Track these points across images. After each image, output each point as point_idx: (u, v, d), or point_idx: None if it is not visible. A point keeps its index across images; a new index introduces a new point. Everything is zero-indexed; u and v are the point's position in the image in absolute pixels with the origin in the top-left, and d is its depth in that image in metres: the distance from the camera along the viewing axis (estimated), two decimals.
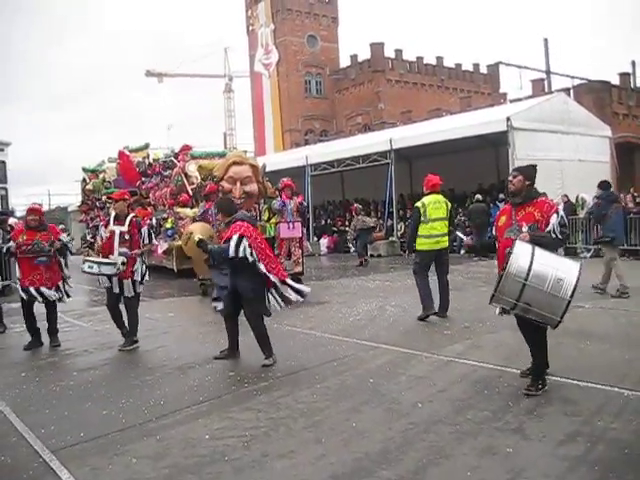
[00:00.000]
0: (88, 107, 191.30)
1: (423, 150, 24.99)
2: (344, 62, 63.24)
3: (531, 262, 5.46)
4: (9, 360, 8.44)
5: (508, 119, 20.88)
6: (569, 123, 22.81)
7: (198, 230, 7.75)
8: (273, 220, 15.61)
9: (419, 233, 10.03)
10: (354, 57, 61.50)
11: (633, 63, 39.81)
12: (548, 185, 16.98)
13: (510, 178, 6.24)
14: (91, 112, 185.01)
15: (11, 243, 9.15)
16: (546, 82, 37.90)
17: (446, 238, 10.17)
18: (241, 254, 7.29)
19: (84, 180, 25.82)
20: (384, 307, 11.36)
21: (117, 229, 8.77)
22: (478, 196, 22.28)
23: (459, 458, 4.44)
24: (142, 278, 8.98)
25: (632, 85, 36.58)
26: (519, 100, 31.84)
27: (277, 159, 31.38)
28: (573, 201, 20.51)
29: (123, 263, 8.57)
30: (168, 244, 17.80)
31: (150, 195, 20.69)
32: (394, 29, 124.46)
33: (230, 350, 7.95)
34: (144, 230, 8.99)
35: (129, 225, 8.78)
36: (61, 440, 5.19)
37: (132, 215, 9.00)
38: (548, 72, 37.24)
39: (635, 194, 21.01)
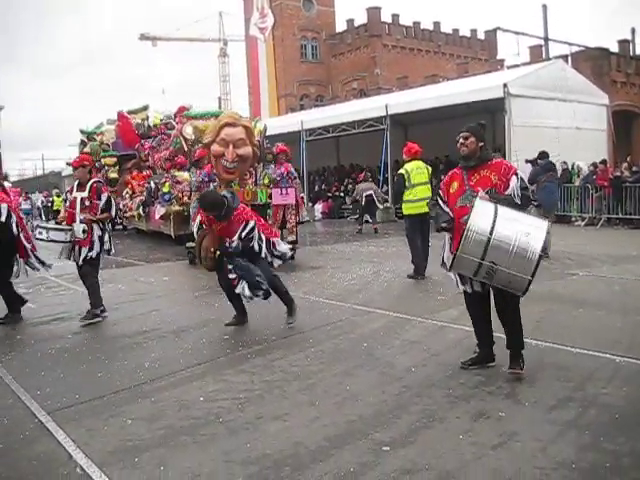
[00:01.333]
0: (85, 73, 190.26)
1: (419, 116, 24.93)
2: (340, 27, 62.58)
3: (495, 217, 4.96)
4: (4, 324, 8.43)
5: (505, 85, 20.78)
6: (566, 90, 22.71)
7: (211, 244, 7.28)
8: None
9: (405, 199, 10.53)
10: (350, 22, 60.87)
11: (633, 30, 39.52)
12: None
13: (461, 140, 5.59)
14: (88, 78, 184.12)
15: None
16: (544, 49, 37.54)
17: (426, 202, 10.29)
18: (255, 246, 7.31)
19: (82, 142, 25.31)
20: (378, 272, 11.40)
21: (79, 195, 8.43)
22: None
23: (452, 421, 4.48)
24: (101, 248, 8.53)
25: (631, 53, 36.37)
26: (516, 67, 31.69)
27: (272, 124, 31.10)
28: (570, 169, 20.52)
29: (84, 231, 8.24)
30: (165, 209, 17.40)
31: (149, 158, 20.33)
32: None
33: (240, 316, 7.84)
34: (104, 196, 8.48)
35: (89, 191, 8.39)
36: (57, 402, 5.22)
37: (93, 181, 8.56)
38: (546, 39, 36.87)
39: (631, 162, 21.02)
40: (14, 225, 8.31)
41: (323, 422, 4.55)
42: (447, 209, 5.65)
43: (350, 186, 28.11)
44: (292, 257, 12.69)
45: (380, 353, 6.28)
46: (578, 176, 20.31)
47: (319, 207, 28.71)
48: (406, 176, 10.54)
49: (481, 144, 5.53)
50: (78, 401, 5.23)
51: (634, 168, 19.91)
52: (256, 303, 8.45)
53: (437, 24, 62.18)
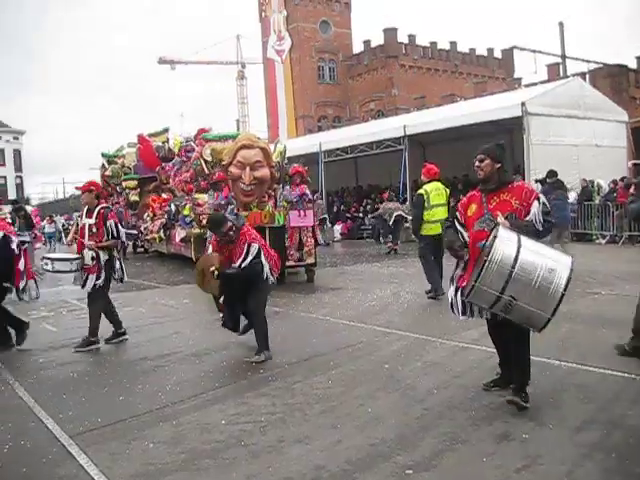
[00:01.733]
0: (105, 98, 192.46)
1: (437, 136, 24.92)
2: (357, 48, 62.96)
3: (518, 248, 4.64)
4: (26, 347, 8.47)
5: (523, 104, 20.72)
6: (585, 108, 22.62)
7: (211, 262, 7.09)
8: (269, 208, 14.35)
9: (424, 219, 10.60)
10: (367, 43, 61.20)
11: None
12: (564, 170, 16.86)
13: (476, 163, 5.35)
14: (107, 103, 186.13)
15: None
16: (561, 66, 37.51)
17: (441, 224, 10.25)
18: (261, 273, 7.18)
19: (103, 166, 25.37)
20: (398, 293, 11.36)
21: (87, 222, 8.32)
22: None
23: (475, 444, 4.45)
24: (109, 275, 8.31)
25: None
26: (534, 85, 31.59)
27: (290, 145, 31.27)
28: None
29: (92, 258, 8.12)
30: (186, 231, 17.22)
31: (170, 181, 20.28)
32: (407, 14, 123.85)
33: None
34: (110, 223, 8.24)
35: (96, 217, 8.25)
36: (79, 425, 5.24)
37: (101, 207, 8.35)
38: (563, 56, 36.87)
39: None
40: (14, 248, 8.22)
41: (345, 445, 4.53)
42: (464, 232, 5.46)
43: (369, 207, 28.11)
44: (311, 280, 13.55)
45: (401, 375, 6.25)
46: (598, 194, 20.18)
47: (338, 228, 28.71)
48: (425, 197, 10.62)
49: (498, 166, 5.25)
50: (100, 424, 5.25)
51: None
52: (276, 326, 8.49)
53: (454, 44, 62.41)
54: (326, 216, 25.94)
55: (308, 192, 14.21)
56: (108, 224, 8.23)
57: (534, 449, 4.30)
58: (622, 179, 20.10)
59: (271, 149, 14.41)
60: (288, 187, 14.19)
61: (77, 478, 4.27)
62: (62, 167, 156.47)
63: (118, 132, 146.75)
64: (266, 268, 7.24)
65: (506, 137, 24.01)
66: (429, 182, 10.89)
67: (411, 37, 59.73)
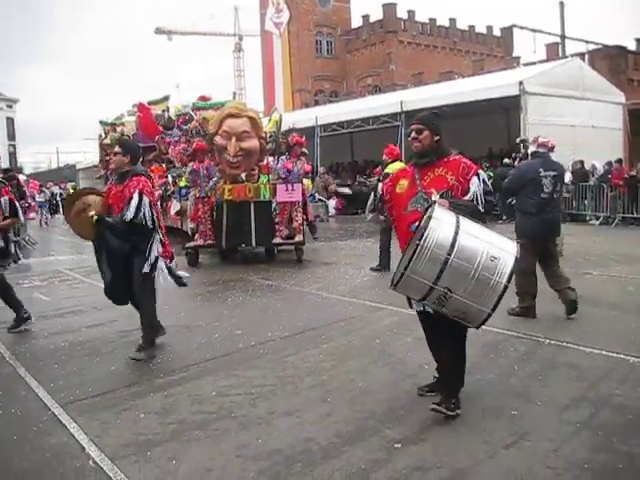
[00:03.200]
0: (100, 68, 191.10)
1: None
2: (356, 22, 62.54)
3: (456, 231, 3.99)
4: None
5: (521, 83, 20.67)
6: (583, 89, 22.58)
7: (95, 205, 6.39)
8: (263, 180, 13.38)
9: None
10: (366, 17, 60.79)
11: None
12: (560, 151, 16.79)
13: (413, 134, 4.70)
14: (103, 73, 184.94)
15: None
16: (560, 46, 37.36)
17: None
18: (140, 219, 6.14)
19: (101, 135, 24.87)
20: (391, 269, 11.35)
21: None
22: (507, 160, 21.85)
23: (464, 419, 4.47)
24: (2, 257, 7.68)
25: None
26: (532, 64, 31.48)
27: (286, 119, 31.13)
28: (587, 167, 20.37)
29: None
30: (181, 204, 16.72)
31: (170, 151, 19.78)
32: None
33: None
34: (3, 200, 7.51)
35: None
36: (70, 394, 5.25)
37: None
38: (563, 36, 36.69)
39: None
40: None
41: (335, 418, 4.55)
42: (381, 214, 5.13)
43: (366, 181, 28.05)
44: (300, 260, 12.85)
45: (392, 350, 6.27)
46: (593, 175, 20.17)
47: (333, 203, 28.65)
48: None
49: (437, 138, 4.66)
50: (91, 394, 5.26)
51: None
52: (268, 299, 8.51)
53: (453, 21, 62.04)
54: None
55: (300, 168, 13.55)
56: (2, 202, 7.54)
57: (522, 426, 4.33)
58: (618, 161, 20.09)
59: (261, 118, 13.67)
60: (284, 158, 13.63)
61: (67, 446, 4.28)
62: (57, 137, 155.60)
63: (114, 103, 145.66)
64: (153, 254, 6.37)
65: (503, 116, 24.08)
66: (392, 162, 11.08)
67: (410, 13, 59.32)
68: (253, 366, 5.89)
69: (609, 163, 20.11)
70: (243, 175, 13.01)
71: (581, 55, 29.91)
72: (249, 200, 12.52)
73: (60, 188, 38.92)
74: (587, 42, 34.98)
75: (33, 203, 28.67)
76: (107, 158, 23.26)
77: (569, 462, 3.80)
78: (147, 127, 21.32)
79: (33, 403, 5.15)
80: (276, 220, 13.06)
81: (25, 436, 4.46)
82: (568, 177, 19.78)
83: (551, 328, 6.91)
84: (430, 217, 4.04)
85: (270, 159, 13.96)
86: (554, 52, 37.53)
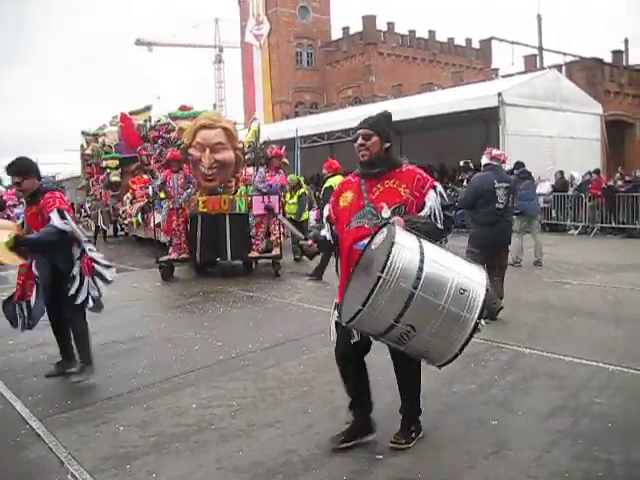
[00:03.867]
0: (80, 77, 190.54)
1: (414, 124, 24.89)
2: (336, 34, 62.73)
3: (422, 259, 3.39)
4: None
5: (499, 94, 20.80)
6: (561, 100, 22.81)
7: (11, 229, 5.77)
8: (241, 192, 13.23)
9: None
10: (346, 29, 60.97)
11: (626, 41, 39.94)
12: (538, 162, 16.99)
13: (360, 140, 4.18)
14: (83, 82, 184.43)
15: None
16: (538, 58, 37.76)
17: None
18: (66, 227, 5.58)
19: (83, 145, 24.43)
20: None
21: None
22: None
23: (445, 430, 4.48)
24: None
25: (625, 63, 36.56)
26: (511, 76, 31.72)
27: (267, 130, 31.19)
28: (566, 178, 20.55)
29: None
30: (161, 216, 16.50)
31: (151, 162, 19.57)
32: (386, 2, 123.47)
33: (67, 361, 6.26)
34: None
35: None
36: (48, 408, 5.20)
37: None
38: (540, 48, 37.10)
39: (623, 172, 21.13)
40: None
41: (316, 430, 4.54)
42: (327, 233, 4.38)
43: None
44: (277, 274, 12.29)
45: (372, 361, 6.20)
46: (571, 185, 20.33)
47: (313, 214, 28.62)
48: (334, 189, 10.84)
49: (387, 145, 4.12)
50: (70, 407, 5.21)
51: (627, 178, 19.97)
52: (249, 311, 8.48)
53: (432, 33, 62.36)
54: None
55: (286, 185, 13.46)
56: None
57: (503, 435, 4.34)
58: (595, 171, 20.28)
59: (235, 129, 13.12)
60: (263, 170, 12.96)
61: (46, 460, 4.24)
62: (38, 148, 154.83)
63: (94, 114, 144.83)
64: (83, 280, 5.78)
65: (482, 127, 24.25)
66: (332, 176, 11.50)
67: (390, 25, 59.58)
68: (234, 378, 5.86)
69: (588, 173, 20.30)
70: (219, 187, 12.75)
71: (558, 67, 30.18)
72: (224, 212, 12.17)
73: None
74: (564, 54, 35.38)
75: (12, 214, 28.46)
76: (90, 169, 23.12)
77: (550, 471, 3.81)
78: (129, 137, 21.14)
79: (11, 416, 5.10)
80: (252, 233, 12.66)
81: (2, 450, 4.41)
82: (547, 187, 19.99)
83: (531, 337, 6.95)
84: (393, 243, 3.39)
85: (250, 170, 13.92)
86: (532, 64, 37.87)
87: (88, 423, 4.85)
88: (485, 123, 23.75)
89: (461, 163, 12.31)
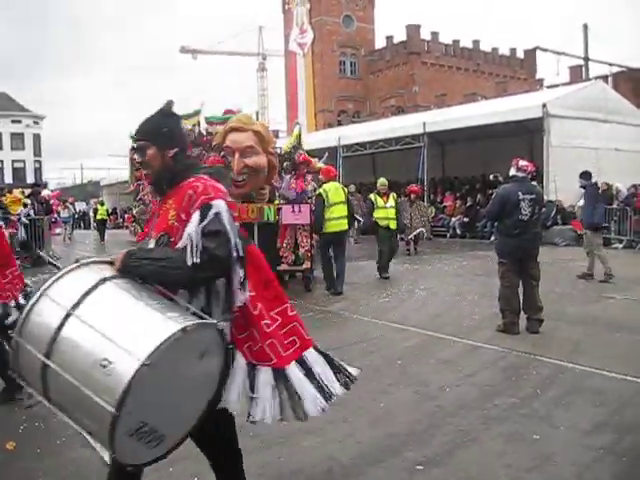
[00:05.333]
0: (124, 83, 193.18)
1: (456, 134, 24.84)
2: (379, 43, 62.88)
3: (67, 315, 2.40)
4: None
5: (544, 105, 20.61)
6: (606, 111, 22.50)
7: None
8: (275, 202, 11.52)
9: (324, 217, 11.17)
10: (390, 38, 61.09)
11: None
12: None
13: (137, 157, 3.15)
14: (127, 88, 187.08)
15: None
16: (584, 69, 37.36)
17: (345, 221, 11.36)
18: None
19: (133, 148, 24.59)
20: (413, 290, 11.36)
21: None
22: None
23: (486, 443, 4.46)
24: None
25: None
26: (556, 87, 31.48)
27: (310, 139, 31.31)
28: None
29: None
30: None
31: None
32: (431, 11, 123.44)
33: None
34: None
35: None
36: None
37: None
38: (586, 59, 36.68)
39: None
40: None
41: (357, 439, 4.55)
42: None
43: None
44: (308, 289, 11.66)
45: (414, 371, 6.27)
46: (617, 198, 20.04)
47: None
48: (325, 195, 11.22)
49: (172, 152, 3.03)
50: None
51: None
52: None
53: (476, 42, 62.19)
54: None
55: (308, 189, 12.51)
56: None
57: (545, 450, 4.30)
58: None
59: (269, 132, 11.94)
60: (289, 177, 12.21)
61: (89, 462, 4.30)
62: (81, 153, 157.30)
63: (136, 120, 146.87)
64: None
65: (526, 138, 24.01)
66: (327, 182, 11.54)
67: (434, 34, 59.55)
68: None
69: (634, 186, 20.00)
70: (254, 195, 12.12)
71: (605, 78, 29.89)
72: (252, 221, 10.81)
73: (87, 204, 39.39)
74: (611, 64, 34.96)
75: (59, 219, 29.01)
76: (138, 174, 23.20)
77: None
78: None
79: (56, 417, 5.17)
80: (278, 245, 11.86)
81: (48, 449, 4.49)
82: None
83: (574, 352, 6.87)
84: (41, 293, 2.51)
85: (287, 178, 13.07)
86: (578, 74, 37.54)
87: None
88: (529, 134, 23.53)
89: (491, 177, 12.23)
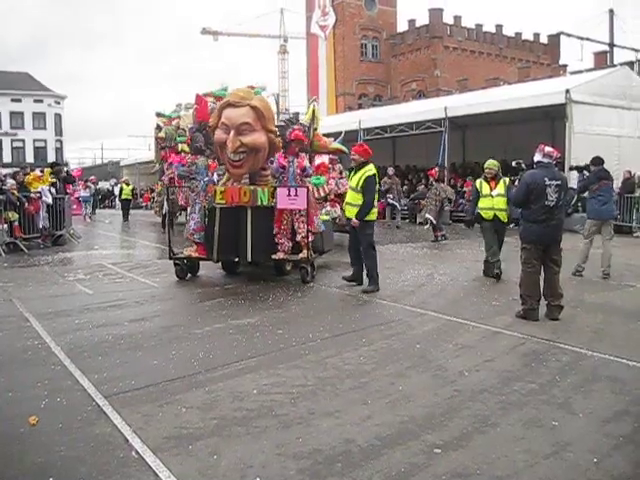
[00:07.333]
0: (145, 65, 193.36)
1: (478, 119, 24.67)
2: (402, 27, 62.52)
3: None
4: (63, 308, 8.63)
5: (567, 91, 20.37)
6: (631, 99, 22.20)
7: None
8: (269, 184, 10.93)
9: (374, 204, 10.06)
10: (412, 22, 60.69)
11: None
12: (605, 161, 16.57)
13: None
14: (147, 70, 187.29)
15: None
16: (609, 55, 36.95)
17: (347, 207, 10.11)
18: None
19: (158, 126, 22.96)
20: (432, 275, 11.34)
21: None
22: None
23: (504, 428, 4.46)
24: None
25: None
26: (580, 72, 31.16)
27: (330, 122, 31.22)
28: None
29: None
30: None
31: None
32: None
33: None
34: None
35: None
36: (113, 386, 5.34)
37: None
38: (612, 45, 36.31)
39: None
40: None
41: (375, 421, 4.56)
42: None
43: (405, 187, 27.88)
44: (304, 281, 10.59)
45: (433, 356, 6.27)
46: (639, 186, 19.85)
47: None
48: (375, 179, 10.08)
49: None
50: (134, 387, 5.34)
51: None
52: (309, 300, 8.54)
53: (499, 27, 61.66)
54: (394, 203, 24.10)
55: (308, 165, 11.16)
56: None
57: (563, 437, 4.30)
58: None
59: (269, 108, 10.87)
60: (277, 160, 11.01)
61: (111, 437, 4.35)
62: (101, 133, 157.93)
63: (156, 102, 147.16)
64: None
65: (548, 124, 23.82)
66: (366, 164, 9.94)
67: (457, 18, 59.10)
68: (294, 366, 5.92)
69: None
70: (246, 175, 10.95)
71: (630, 64, 29.50)
72: (245, 205, 10.64)
73: (116, 183, 39.72)
74: (636, 51, 34.53)
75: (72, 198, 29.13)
76: (163, 152, 22.78)
77: (611, 476, 3.76)
78: (204, 120, 20.89)
79: (78, 393, 5.24)
80: (274, 231, 10.83)
81: (70, 425, 4.54)
82: (614, 186, 19.51)
83: (594, 339, 6.84)
84: None
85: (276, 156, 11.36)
86: (602, 61, 37.14)
87: (151, 403, 4.96)
88: (551, 120, 23.34)
89: (513, 164, 11.55)
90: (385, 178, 22.91)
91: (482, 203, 11.03)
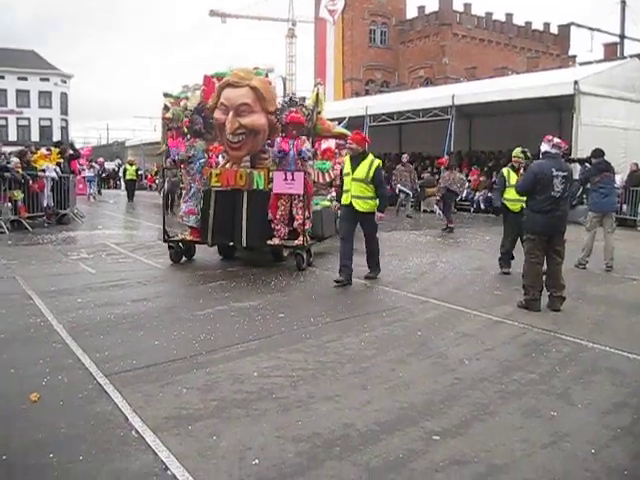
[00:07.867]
0: (151, 47, 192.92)
1: (485, 108, 24.57)
2: (411, 13, 62.22)
3: None
4: (66, 287, 8.66)
5: (576, 82, 20.26)
6: None
7: None
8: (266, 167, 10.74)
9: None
10: (421, 8, 60.42)
11: None
12: (611, 154, 16.53)
13: None
14: (153, 51, 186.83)
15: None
16: (619, 47, 36.72)
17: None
18: None
19: (165, 107, 23.68)
20: (435, 263, 11.35)
21: None
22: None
23: (503, 417, 4.47)
24: None
25: None
26: (589, 64, 30.96)
27: (337, 107, 31.12)
28: None
29: None
30: None
31: None
32: None
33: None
34: None
35: None
36: (114, 366, 5.36)
37: None
38: (622, 36, 36.05)
39: None
40: None
41: (374, 406, 4.58)
42: None
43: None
44: (300, 268, 10.39)
45: (433, 343, 6.28)
46: None
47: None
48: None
49: None
50: (135, 366, 5.36)
51: None
52: (311, 285, 8.55)
53: (509, 16, 61.33)
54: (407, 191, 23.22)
55: (306, 148, 10.55)
56: None
57: (562, 427, 4.30)
58: None
59: (270, 89, 10.76)
60: (278, 140, 10.56)
61: (112, 415, 4.37)
62: (107, 113, 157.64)
63: (163, 85, 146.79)
64: None
65: (555, 115, 23.73)
66: (366, 153, 9.66)
67: (467, 6, 58.77)
68: (295, 349, 5.94)
69: None
70: (246, 158, 10.81)
71: None
72: (241, 189, 10.48)
73: (121, 164, 39.77)
74: None
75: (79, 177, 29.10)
76: (171, 132, 22.53)
77: (609, 467, 3.77)
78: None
79: (79, 371, 5.26)
80: (269, 216, 10.57)
81: (71, 403, 4.56)
82: (619, 181, 19.47)
83: (595, 331, 6.84)
84: None
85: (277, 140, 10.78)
86: (612, 52, 36.91)
87: (152, 383, 4.98)
88: (559, 112, 23.23)
89: (519, 150, 11.20)
90: (399, 165, 22.73)
91: (508, 194, 10.25)
